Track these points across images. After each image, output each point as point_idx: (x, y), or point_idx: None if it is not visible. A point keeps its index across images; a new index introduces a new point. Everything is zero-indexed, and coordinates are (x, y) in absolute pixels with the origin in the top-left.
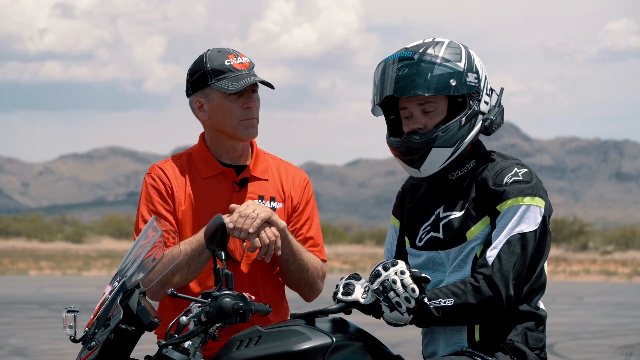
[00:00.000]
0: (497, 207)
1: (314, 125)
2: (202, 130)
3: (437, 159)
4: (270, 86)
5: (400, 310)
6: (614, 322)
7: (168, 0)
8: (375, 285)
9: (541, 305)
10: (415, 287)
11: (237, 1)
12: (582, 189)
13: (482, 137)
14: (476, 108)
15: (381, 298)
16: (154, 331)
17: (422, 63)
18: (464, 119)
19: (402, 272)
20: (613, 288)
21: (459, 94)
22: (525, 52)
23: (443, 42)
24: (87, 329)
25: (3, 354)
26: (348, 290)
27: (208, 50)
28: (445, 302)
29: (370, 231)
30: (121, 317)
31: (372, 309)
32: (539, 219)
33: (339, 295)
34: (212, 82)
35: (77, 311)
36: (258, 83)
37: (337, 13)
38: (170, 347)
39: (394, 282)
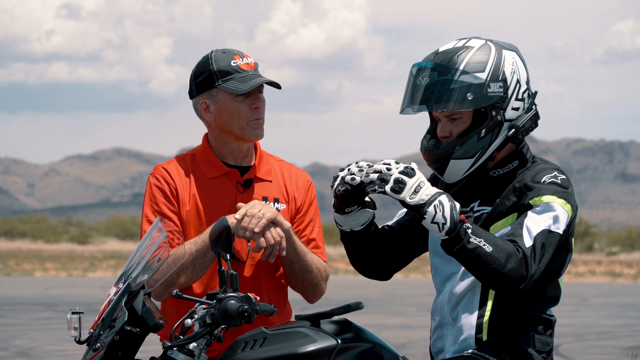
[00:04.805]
0: (531, 201)
1: (319, 127)
2: (207, 131)
3: (456, 170)
4: (278, 87)
5: (441, 225)
6: (619, 324)
7: (174, 2)
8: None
9: (551, 310)
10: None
11: (244, 2)
12: (587, 190)
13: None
14: (499, 118)
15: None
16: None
17: (441, 76)
18: (483, 131)
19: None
20: (618, 289)
21: (477, 107)
22: (531, 53)
23: (472, 48)
24: (92, 330)
25: (8, 355)
26: (399, 187)
27: (212, 52)
28: (484, 245)
29: None
30: (126, 318)
31: (417, 209)
32: (565, 226)
33: (389, 190)
34: (219, 83)
35: (82, 312)
36: (264, 84)
37: (344, 14)
38: (175, 348)
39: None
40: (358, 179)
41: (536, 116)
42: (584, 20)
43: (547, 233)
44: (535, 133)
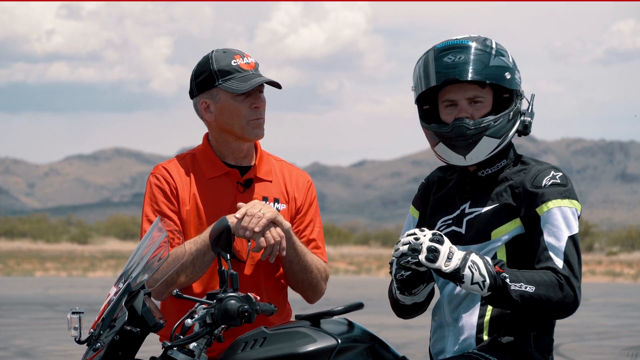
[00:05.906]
0: (537, 209)
1: (320, 127)
2: (207, 131)
3: (485, 148)
4: (278, 86)
5: (481, 284)
6: (619, 323)
7: (175, 2)
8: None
9: None
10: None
11: (244, 2)
12: (587, 190)
13: None
14: (519, 106)
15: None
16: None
17: (479, 51)
18: (511, 113)
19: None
20: (618, 289)
21: (510, 89)
22: (531, 53)
23: (491, 39)
24: (92, 330)
25: (8, 355)
26: (434, 256)
27: (213, 51)
28: (526, 288)
29: (376, 232)
30: (126, 318)
31: (452, 276)
32: (578, 223)
33: (423, 260)
34: (220, 82)
35: (82, 312)
36: (264, 84)
37: (344, 14)
38: (175, 348)
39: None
40: (394, 259)
41: (533, 117)
42: (584, 20)
43: (570, 240)
44: (535, 133)
